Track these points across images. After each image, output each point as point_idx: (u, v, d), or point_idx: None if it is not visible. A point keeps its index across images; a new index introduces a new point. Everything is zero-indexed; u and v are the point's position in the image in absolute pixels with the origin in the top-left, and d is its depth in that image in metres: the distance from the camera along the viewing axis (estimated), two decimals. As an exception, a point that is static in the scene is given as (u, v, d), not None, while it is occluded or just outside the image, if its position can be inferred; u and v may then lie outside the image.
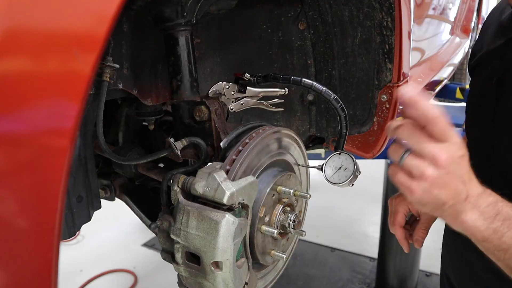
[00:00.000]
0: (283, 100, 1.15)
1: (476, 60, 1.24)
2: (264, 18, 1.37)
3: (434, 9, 1.98)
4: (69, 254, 3.47)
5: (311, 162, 1.19)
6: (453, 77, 4.06)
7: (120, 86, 0.97)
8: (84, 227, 1.03)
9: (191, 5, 0.96)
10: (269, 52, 1.41)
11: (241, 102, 1.08)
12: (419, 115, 0.73)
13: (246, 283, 0.90)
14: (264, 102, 1.12)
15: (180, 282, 0.92)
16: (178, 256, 0.87)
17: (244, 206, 0.87)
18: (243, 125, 1.01)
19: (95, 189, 1.04)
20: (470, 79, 1.29)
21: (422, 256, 2.94)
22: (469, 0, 3.09)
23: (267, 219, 0.96)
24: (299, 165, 1.13)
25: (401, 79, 1.25)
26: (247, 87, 1.07)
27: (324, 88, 1.03)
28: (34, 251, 0.55)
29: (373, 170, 3.04)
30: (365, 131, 1.36)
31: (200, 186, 0.84)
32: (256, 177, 0.93)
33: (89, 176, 1.01)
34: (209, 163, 0.95)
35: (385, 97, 1.28)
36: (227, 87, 1.05)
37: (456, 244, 1.27)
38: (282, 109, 1.19)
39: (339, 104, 1.03)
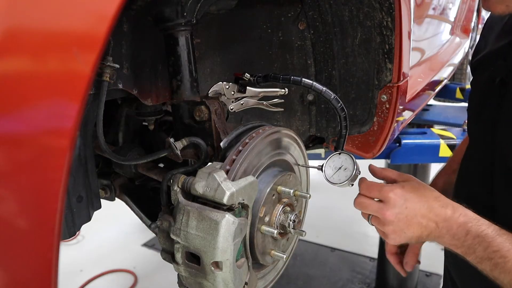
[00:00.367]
0: (283, 100, 1.15)
1: (479, 59, 1.23)
2: (264, 18, 1.37)
3: (434, 9, 1.98)
4: (69, 254, 3.47)
5: (311, 162, 1.19)
6: (453, 77, 4.06)
7: (120, 86, 0.97)
8: (84, 227, 1.03)
9: (191, 5, 0.96)
10: (269, 52, 1.41)
11: (241, 102, 1.08)
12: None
13: (246, 283, 0.90)
14: (264, 102, 1.12)
15: (180, 282, 0.92)
16: (178, 256, 0.87)
17: (244, 206, 0.87)
18: (243, 125, 1.01)
19: (95, 189, 1.04)
20: (472, 78, 1.29)
21: (422, 256, 2.93)
22: (469, 0, 3.09)
23: (267, 219, 0.96)
24: (299, 165, 1.13)
25: (401, 79, 1.25)
26: (247, 87, 1.07)
27: (324, 88, 1.03)
28: (34, 251, 0.55)
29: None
30: (365, 131, 1.36)
31: (200, 186, 0.84)
32: (256, 177, 0.93)
33: (89, 176, 1.01)
34: (209, 163, 0.95)
35: (385, 97, 1.27)
36: (227, 87, 1.05)
37: None
38: (282, 109, 1.19)
39: (339, 104, 1.03)
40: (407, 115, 1.60)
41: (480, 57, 1.23)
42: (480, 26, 3.97)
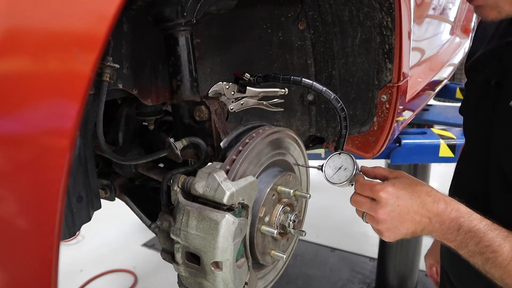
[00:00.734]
0: (283, 100, 1.15)
1: (474, 60, 1.23)
2: (264, 18, 1.37)
3: (434, 9, 1.98)
4: (69, 254, 3.47)
5: (311, 162, 1.19)
6: (453, 77, 4.05)
7: (120, 86, 0.97)
8: (84, 227, 1.03)
9: (191, 5, 0.96)
10: (269, 52, 1.41)
11: (241, 102, 1.08)
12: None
13: (246, 283, 0.90)
14: (264, 102, 1.12)
15: (180, 282, 0.92)
16: (178, 256, 0.87)
17: (244, 206, 0.87)
18: (243, 125, 1.01)
19: (95, 189, 1.04)
20: (466, 79, 1.29)
21: (422, 256, 2.94)
22: (469, 0, 3.08)
23: (267, 219, 0.96)
24: (299, 165, 1.13)
25: (401, 79, 1.25)
26: (247, 87, 1.07)
27: (324, 88, 1.03)
28: (34, 251, 0.55)
29: (373, 170, 3.03)
30: (365, 131, 1.36)
31: (200, 186, 0.84)
32: (256, 177, 0.92)
33: (89, 176, 1.01)
34: (209, 163, 0.95)
35: (385, 97, 1.27)
36: (227, 87, 1.05)
37: None
38: (282, 109, 1.19)
39: (339, 104, 1.03)
40: (407, 115, 1.60)
41: (474, 58, 1.23)
42: (480, 26, 3.96)
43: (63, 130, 0.53)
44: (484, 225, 0.90)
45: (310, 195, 1.07)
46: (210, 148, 1.00)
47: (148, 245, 3.79)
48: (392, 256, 2.96)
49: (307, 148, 1.60)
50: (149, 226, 1.02)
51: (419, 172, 2.66)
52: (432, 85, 2.10)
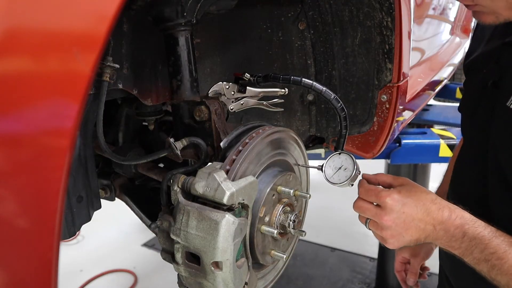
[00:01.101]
0: (283, 100, 1.15)
1: (472, 60, 1.24)
2: (264, 18, 1.37)
3: (434, 9, 1.98)
4: (69, 254, 3.47)
5: (311, 162, 1.19)
6: (453, 77, 4.05)
7: (120, 86, 0.97)
8: (84, 227, 1.03)
9: (191, 5, 0.96)
10: (269, 52, 1.41)
11: (241, 102, 1.08)
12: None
13: (246, 283, 0.90)
14: (264, 102, 1.12)
15: (180, 282, 0.92)
16: (178, 256, 0.87)
17: (244, 206, 0.87)
18: (243, 125, 1.01)
19: (95, 189, 1.04)
20: (465, 78, 1.29)
21: (422, 256, 2.94)
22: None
23: (267, 219, 0.96)
24: (299, 165, 1.13)
25: (401, 79, 1.26)
26: (247, 87, 1.07)
27: (324, 88, 1.03)
28: (34, 251, 0.55)
29: (373, 170, 3.03)
30: (365, 131, 1.36)
31: (200, 186, 0.84)
32: (256, 177, 0.92)
33: (89, 176, 1.01)
34: (209, 163, 0.95)
35: (385, 97, 1.28)
36: (227, 87, 1.05)
37: None
38: (282, 109, 1.19)
39: (339, 104, 1.03)
40: (407, 115, 1.60)
41: (473, 58, 1.23)
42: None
43: (63, 130, 0.53)
44: (489, 232, 0.90)
45: (310, 195, 1.07)
46: (210, 148, 1.00)
47: (148, 245, 3.79)
48: (392, 256, 2.95)
49: (307, 148, 1.60)
50: (149, 226, 1.02)
51: (419, 172, 2.65)
52: (432, 85, 2.11)
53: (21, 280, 0.57)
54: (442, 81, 2.45)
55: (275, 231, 0.95)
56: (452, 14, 2.54)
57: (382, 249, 3.02)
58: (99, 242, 3.80)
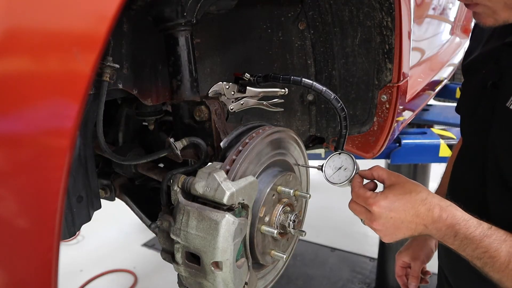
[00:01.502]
0: (283, 100, 1.15)
1: (471, 60, 1.24)
2: (264, 18, 1.37)
3: (434, 9, 1.98)
4: (69, 254, 3.47)
5: (311, 162, 1.19)
6: (453, 77, 4.05)
7: (120, 86, 0.97)
8: (84, 227, 1.03)
9: (191, 5, 0.96)
10: (269, 52, 1.41)
11: (241, 102, 1.08)
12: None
13: (246, 283, 0.90)
14: (264, 102, 1.12)
15: (180, 282, 0.92)
16: (178, 256, 0.87)
17: (244, 206, 0.87)
18: (243, 125, 1.01)
19: (95, 189, 1.04)
20: (464, 79, 1.29)
21: (422, 256, 2.93)
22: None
23: (267, 219, 0.96)
24: (299, 165, 1.13)
25: (401, 79, 1.26)
26: (247, 87, 1.07)
27: (324, 88, 1.03)
28: (34, 251, 0.55)
29: (373, 170, 3.03)
30: (365, 131, 1.36)
31: (200, 186, 0.84)
32: (256, 177, 0.92)
33: (89, 176, 1.01)
34: (209, 163, 0.95)
35: (385, 97, 1.28)
36: (227, 87, 1.05)
37: None
38: (282, 109, 1.19)
39: (339, 104, 1.03)
40: (407, 115, 1.60)
41: (472, 58, 1.23)
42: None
43: (63, 130, 0.53)
44: (480, 232, 0.90)
45: (310, 195, 1.07)
46: (210, 148, 1.00)
47: (148, 245, 3.79)
48: (392, 256, 2.95)
49: (307, 148, 1.60)
50: (149, 226, 1.02)
51: (419, 172, 2.65)
52: (432, 85, 2.11)
53: (21, 280, 0.57)
54: (442, 81, 2.45)
55: (275, 231, 0.95)
56: (452, 14, 2.54)
57: (382, 249, 3.02)
58: (99, 242, 3.80)
